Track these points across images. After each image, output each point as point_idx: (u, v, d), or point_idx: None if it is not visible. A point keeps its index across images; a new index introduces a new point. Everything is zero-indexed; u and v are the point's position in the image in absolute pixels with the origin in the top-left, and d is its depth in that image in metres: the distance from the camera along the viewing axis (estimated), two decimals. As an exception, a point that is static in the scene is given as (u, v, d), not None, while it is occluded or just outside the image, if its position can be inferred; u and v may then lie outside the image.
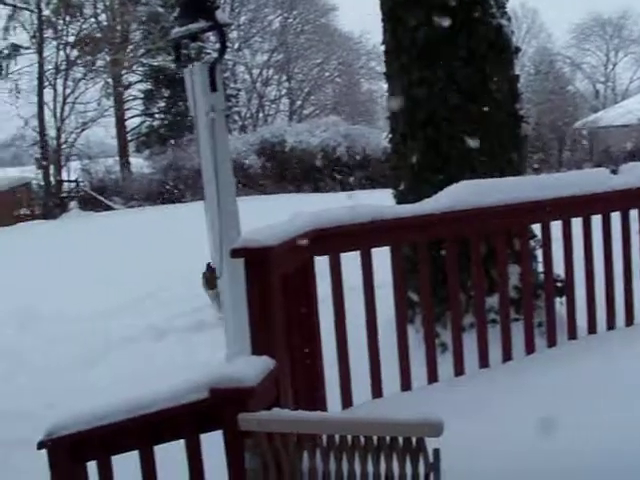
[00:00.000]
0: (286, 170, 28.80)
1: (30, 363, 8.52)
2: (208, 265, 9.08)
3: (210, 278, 9.11)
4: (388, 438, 3.17)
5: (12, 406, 7.24)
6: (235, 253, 3.91)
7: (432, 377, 5.11)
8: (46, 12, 36.64)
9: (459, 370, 5.20)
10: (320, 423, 3.32)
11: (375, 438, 3.19)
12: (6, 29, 37.08)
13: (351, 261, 4.85)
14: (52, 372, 8.12)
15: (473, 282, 5.38)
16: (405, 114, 6.68)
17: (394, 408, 4.54)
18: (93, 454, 3.73)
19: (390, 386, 5.01)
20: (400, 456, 3.16)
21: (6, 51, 37.49)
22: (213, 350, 6.87)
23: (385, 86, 7.29)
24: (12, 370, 8.40)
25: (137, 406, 3.53)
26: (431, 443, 3.11)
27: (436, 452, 3.13)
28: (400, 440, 3.15)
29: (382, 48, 7.04)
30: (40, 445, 3.74)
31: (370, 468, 3.23)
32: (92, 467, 3.80)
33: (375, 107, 50.32)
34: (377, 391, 4.96)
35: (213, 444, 3.61)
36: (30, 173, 35.83)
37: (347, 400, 4.83)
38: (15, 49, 37.48)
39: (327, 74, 50.60)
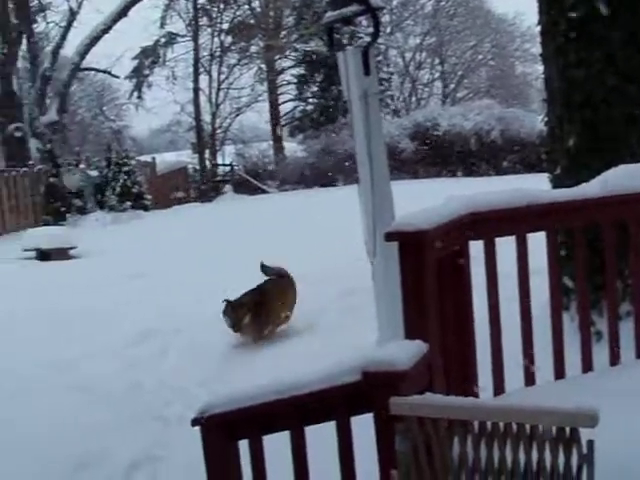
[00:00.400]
0: (439, 154, 28.62)
1: (183, 340, 8.77)
2: (228, 304, 8.61)
3: (235, 318, 8.59)
4: (541, 427, 3.12)
5: (166, 381, 7.48)
6: (389, 237, 3.91)
7: (587, 366, 4.98)
8: (201, 0, 37.46)
9: (615, 359, 5.05)
10: (472, 409, 3.29)
11: (527, 426, 3.14)
12: (163, 18, 38.14)
13: (505, 247, 4.78)
14: (206, 351, 8.34)
15: (631, 269, 5.23)
16: (561, 96, 6.53)
17: (547, 397, 4.45)
18: (245, 433, 3.81)
19: (543, 374, 4.92)
20: (553, 446, 3.10)
21: (163, 39, 38.53)
22: (365, 334, 6.89)
23: (540, 68, 7.14)
24: (166, 346, 8.67)
25: (290, 387, 3.59)
26: (585, 434, 3.04)
27: (590, 443, 3.05)
28: (553, 430, 3.10)
29: (537, 29, 6.88)
30: (194, 422, 3.85)
31: (521, 457, 3.19)
32: (244, 445, 3.89)
33: (529, 90, 49.37)
34: (530, 379, 4.88)
35: (362, 426, 3.64)
36: (186, 157, 36.78)
37: (499, 387, 4.77)
38: (172, 37, 38.49)
39: (480, 57, 49.94)
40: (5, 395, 7.39)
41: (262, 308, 8.67)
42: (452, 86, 49.60)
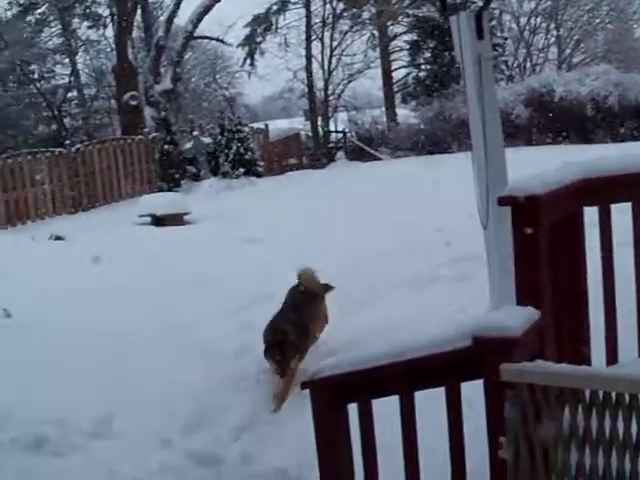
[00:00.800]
0: (554, 120, 28.06)
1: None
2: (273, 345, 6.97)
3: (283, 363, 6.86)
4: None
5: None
6: (502, 201, 3.87)
7: None
8: (313, -34, 37.42)
9: None
10: (584, 377, 3.25)
11: (641, 397, 3.09)
12: (277, -15, 38.26)
13: (619, 214, 4.68)
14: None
15: None
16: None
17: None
18: (354, 396, 3.84)
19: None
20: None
21: (275, 7, 38.62)
22: (476, 301, 6.85)
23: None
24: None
25: (399, 351, 3.59)
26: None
27: None
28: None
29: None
30: (303, 385, 3.89)
31: (634, 428, 3.14)
32: (352, 409, 3.92)
33: (649, 54, 47.93)
34: (645, 349, 4.78)
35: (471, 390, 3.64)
36: (298, 124, 36.92)
37: (612, 356, 4.68)
38: (284, 4, 38.55)
39: (597, 21, 48.58)
40: (125, 357, 7.61)
41: (305, 342, 7.24)
42: (568, 51, 48.44)
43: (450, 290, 8.40)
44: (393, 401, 3.75)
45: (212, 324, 8.38)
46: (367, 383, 3.77)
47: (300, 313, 7.35)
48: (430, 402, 3.81)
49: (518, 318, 3.44)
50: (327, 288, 7.85)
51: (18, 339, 8.25)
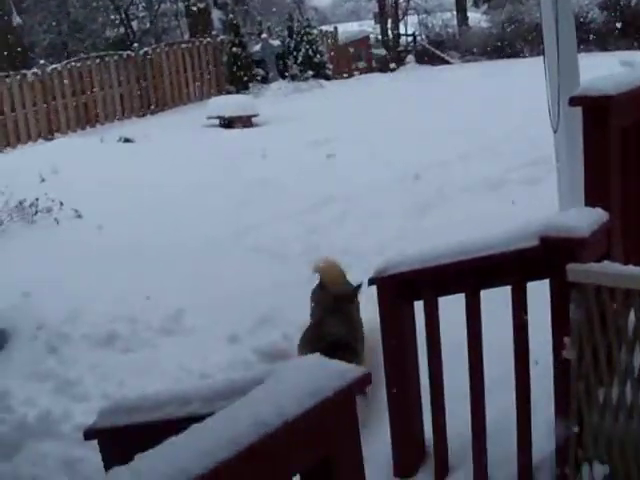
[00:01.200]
0: (631, 25, 27.28)
1: (361, 208, 8.89)
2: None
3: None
4: None
5: (343, 246, 7.63)
6: (573, 101, 3.82)
7: None
8: None
9: None
10: (651, 279, 3.24)
11: None
12: None
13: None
14: (383, 218, 8.43)
15: None
16: None
17: None
18: (421, 293, 3.87)
19: None
20: None
21: None
22: (546, 204, 6.80)
23: None
24: (344, 213, 8.82)
25: (467, 250, 3.61)
26: None
27: None
28: None
29: None
30: (370, 282, 3.94)
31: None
32: (419, 306, 3.96)
33: None
34: None
35: (536, 293, 3.65)
36: (368, 27, 36.41)
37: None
38: None
39: None
40: (196, 258, 7.75)
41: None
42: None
43: (519, 193, 8.36)
44: (459, 308, 3.79)
45: (279, 225, 8.48)
46: (432, 281, 3.80)
47: (346, 323, 5.63)
48: (495, 303, 3.85)
49: (586, 219, 3.43)
50: (357, 288, 5.83)
51: (93, 238, 8.43)
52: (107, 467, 2.92)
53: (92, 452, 4.46)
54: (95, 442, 3.82)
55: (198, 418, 2.00)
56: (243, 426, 1.91)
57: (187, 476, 1.77)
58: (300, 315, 6.11)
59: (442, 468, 4.07)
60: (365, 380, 2.14)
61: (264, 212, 8.94)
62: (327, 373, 2.07)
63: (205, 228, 8.56)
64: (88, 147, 14.06)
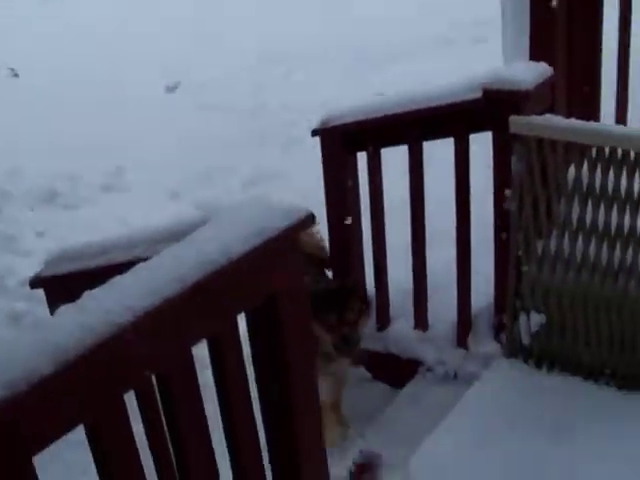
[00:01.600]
0: None
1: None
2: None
3: None
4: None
5: (287, 102, 7.55)
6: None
7: None
8: None
9: None
10: (592, 133, 3.26)
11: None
12: None
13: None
14: (331, 71, 8.33)
15: None
16: None
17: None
18: (364, 145, 3.86)
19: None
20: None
21: None
22: (491, 61, 6.75)
23: None
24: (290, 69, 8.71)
25: (410, 100, 3.60)
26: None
27: None
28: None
29: None
30: (314, 133, 3.90)
31: (636, 186, 3.19)
32: (362, 157, 3.95)
33: None
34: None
35: (480, 145, 3.67)
36: None
37: (621, 119, 4.65)
38: None
39: None
40: (140, 117, 7.63)
41: None
42: None
43: (465, 52, 8.27)
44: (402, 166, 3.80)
45: (227, 82, 8.31)
46: (375, 132, 3.78)
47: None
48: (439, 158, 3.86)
49: (531, 72, 3.43)
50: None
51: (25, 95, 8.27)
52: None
53: (37, 305, 4.54)
54: (41, 293, 3.86)
55: (144, 260, 2.00)
56: (188, 264, 1.93)
57: (133, 312, 1.79)
58: (242, 172, 6.08)
59: (384, 318, 4.15)
60: (309, 220, 2.16)
61: (211, 68, 8.68)
62: (272, 213, 2.09)
63: (137, 89, 8.36)
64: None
